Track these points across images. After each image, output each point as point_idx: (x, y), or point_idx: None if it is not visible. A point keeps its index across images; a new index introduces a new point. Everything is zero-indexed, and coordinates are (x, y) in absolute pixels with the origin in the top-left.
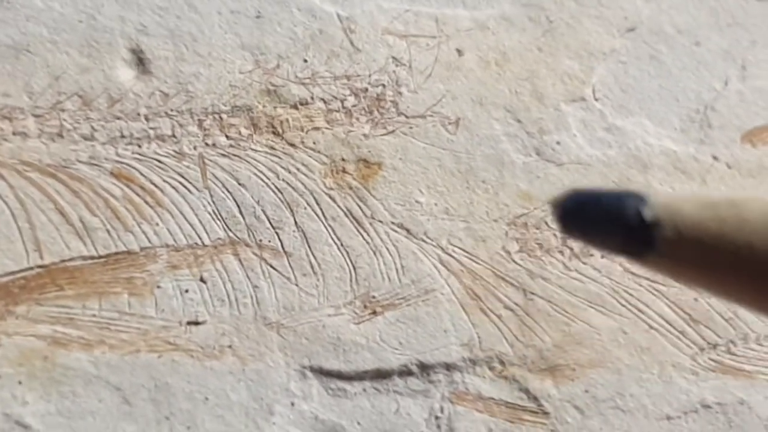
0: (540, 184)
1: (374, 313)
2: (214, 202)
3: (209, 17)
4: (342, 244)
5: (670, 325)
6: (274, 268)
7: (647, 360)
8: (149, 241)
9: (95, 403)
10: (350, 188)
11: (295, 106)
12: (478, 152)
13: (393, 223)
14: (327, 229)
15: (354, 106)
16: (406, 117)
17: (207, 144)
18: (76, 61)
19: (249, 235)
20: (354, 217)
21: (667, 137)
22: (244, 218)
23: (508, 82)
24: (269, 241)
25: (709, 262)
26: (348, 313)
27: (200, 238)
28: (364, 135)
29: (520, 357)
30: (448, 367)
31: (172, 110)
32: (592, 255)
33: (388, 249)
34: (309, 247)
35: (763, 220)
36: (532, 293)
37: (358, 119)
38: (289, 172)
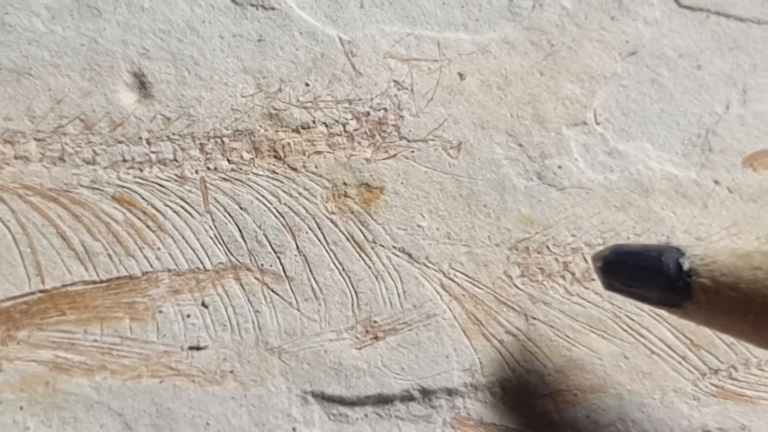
0: (542, 208)
1: (376, 338)
2: (215, 227)
3: (211, 41)
4: (344, 269)
5: (672, 350)
6: (275, 293)
7: (649, 385)
8: (151, 266)
9: (97, 429)
10: (352, 212)
11: (296, 130)
12: (480, 176)
13: (395, 247)
14: (329, 254)
15: (356, 130)
16: (408, 141)
17: (209, 168)
18: (78, 85)
19: (251, 260)
20: (356, 242)
21: (668, 161)
22: (245, 243)
23: (509, 106)
24: (271, 266)
25: (745, 309)
26: (350, 338)
27: (202, 263)
28: (366, 159)
29: (521, 383)
30: (450, 392)
31: (174, 134)
32: (593, 280)
33: (389, 273)
34: (311, 271)
35: None
36: (534, 318)
37: (360, 143)
38: (291, 196)
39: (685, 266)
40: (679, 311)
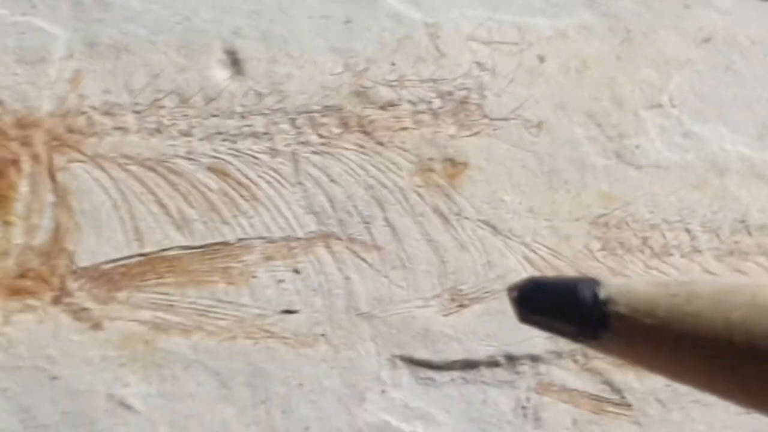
0: (620, 185)
1: (462, 305)
2: (307, 197)
3: (300, 21)
4: (430, 239)
5: None
6: (364, 261)
7: None
8: (245, 233)
9: (194, 387)
10: (437, 186)
11: (383, 108)
12: (560, 154)
13: (479, 220)
14: (416, 225)
15: (440, 108)
16: (491, 119)
17: (299, 142)
18: (173, 61)
19: (340, 229)
20: (441, 214)
21: (742, 144)
22: (335, 213)
23: (588, 88)
24: (360, 235)
25: (661, 337)
26: (436, 305)
27: (294, 231)
28: (450, 136)
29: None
30: (534, 359)
31: (265, 109)
32: (671, 255)
33: (474, 245)
34: (398, 241)
35: (714, 298)
36: None
37: (444, 121)
38: (379, 169)
39: (602, 295)
40: (597, 343)
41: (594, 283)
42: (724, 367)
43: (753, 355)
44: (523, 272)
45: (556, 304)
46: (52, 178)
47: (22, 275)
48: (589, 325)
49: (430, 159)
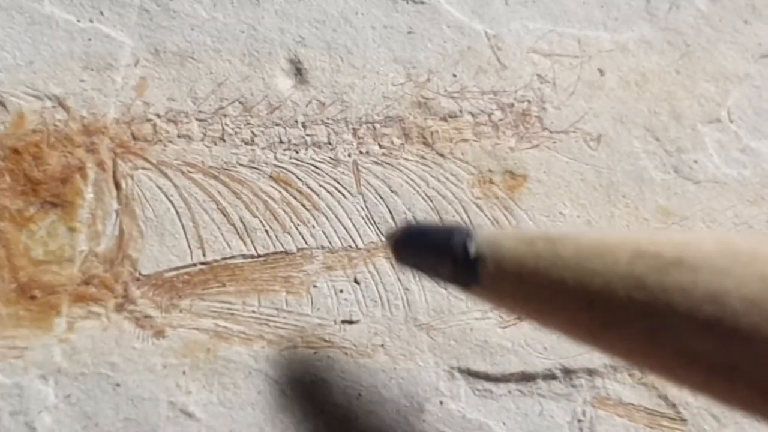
0: (678, 200)
1: (519, 318)
2: (367, 207)
3: (363, 31)
4: None
5: None
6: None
7: None
8: (306, 243)
9: (255, 395)
10: (497, 198)
11: (444, 119)
12: (619, 168)
13: None
14: None
15: (501, 120)
16: (550, 132)
17: (361, 152)
18: (237, 69)
19: None
20: (500, 226)
21: None
22: (396, 223)
23: (647, 102)
24: None
25: (527, 295)
26: (494, 318)
27: (354, 242)
28: (510, 148)
29: None
30: (590, 372)
31: (328, 119)
32: None
33: None
34: None
35: (574, 257)
36: None
37: (504, 133)
38: (439, 180)
39: (472, 250)
40: (468, 291)
41: (467, 234)
42: (579, 317)
43: (596, 307)
44: None
45: (430, 252)
46: (117, 185)
47: (86, 282)
48: (460, 276)
49: (490, 171)
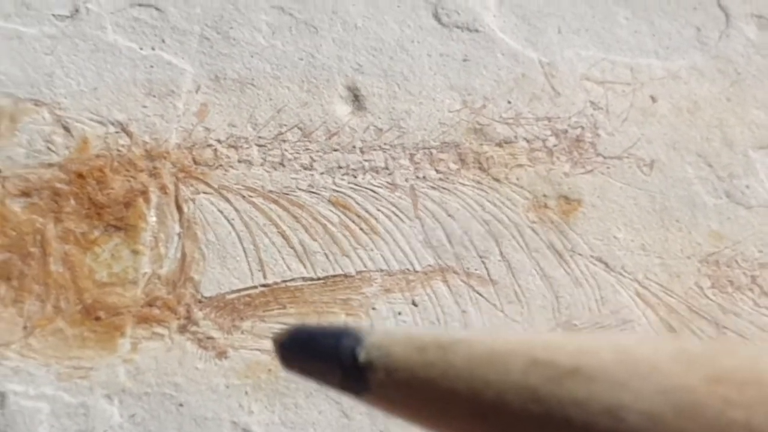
0: (730, 225)
1: None
2: (424, 231)
3: (420, 59)
4: (545, 275)
5: None
6: (481, 295)
7: None
8: (364, 266)
9: (315, 415)
10: (552, 222)
11: (499, 144)
12: (672, 193)
13: (592, 256)
14: (531, 260)
15: (555, 145)
16: (604, 158)
17: (418, 177)
18: (296, 96)
19: (457, 263)
20: (556, 250)
21: None
22: (452, 247)
23: (699, 129)
24: (476, 270)
25: (419, 405)
26: None
27: (412, 265)
28: (565, 173)
29: None
30: None
31: (385, 144)
32: None
33: (587, 281)
34: (513, 276)
35: (467, 365)
36: (725, 327)
37: (558, 158)
38: (495, 205)
39: (361, 357)
40: (361, 399)
41: (355, 340)
42: (473, 429)
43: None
44: (635, 308)
45: (317, 358)
46: (179, 208)
47: (150, 303)
48: (350, 385)
49: (545, 195)
